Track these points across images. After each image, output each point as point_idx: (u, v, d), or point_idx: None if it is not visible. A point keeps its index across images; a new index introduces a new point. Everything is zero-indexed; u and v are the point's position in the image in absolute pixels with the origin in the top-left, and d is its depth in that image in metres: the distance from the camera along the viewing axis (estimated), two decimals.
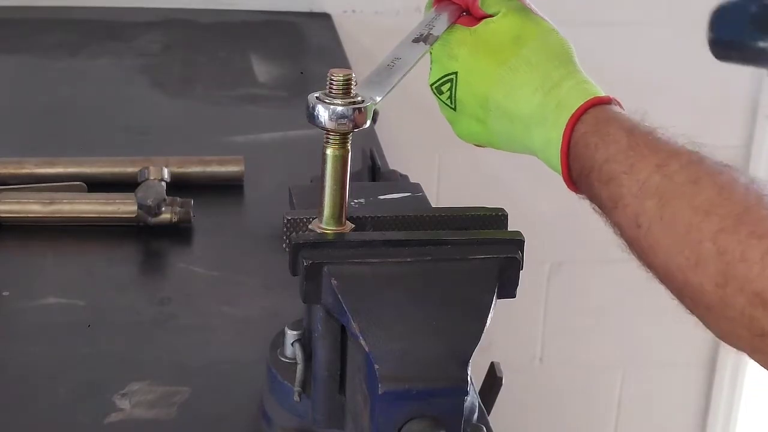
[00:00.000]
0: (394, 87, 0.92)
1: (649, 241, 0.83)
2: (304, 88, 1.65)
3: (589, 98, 0.89)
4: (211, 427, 1.01)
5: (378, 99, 0.88)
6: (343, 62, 1.76)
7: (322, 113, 0.85)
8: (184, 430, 1.01)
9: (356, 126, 0.86)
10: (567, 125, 0.89)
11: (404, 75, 0.93)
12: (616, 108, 0.90)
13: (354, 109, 0.85)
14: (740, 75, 2.13)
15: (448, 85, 0.98)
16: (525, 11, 0.97)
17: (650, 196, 0.82)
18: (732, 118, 2.22)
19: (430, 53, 0.99)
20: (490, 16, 0.97)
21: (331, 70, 0.86)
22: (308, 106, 0.86)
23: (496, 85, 0.95)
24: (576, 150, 0.88)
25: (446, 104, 1.00)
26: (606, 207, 0.86)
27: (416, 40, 0.98)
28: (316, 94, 0.86)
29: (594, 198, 0.88)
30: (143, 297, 1.21)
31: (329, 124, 0.85)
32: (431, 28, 0.99)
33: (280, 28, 1.93)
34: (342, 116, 0.85)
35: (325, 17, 2.00)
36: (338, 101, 0.85)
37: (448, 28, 0.99)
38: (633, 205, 0.83)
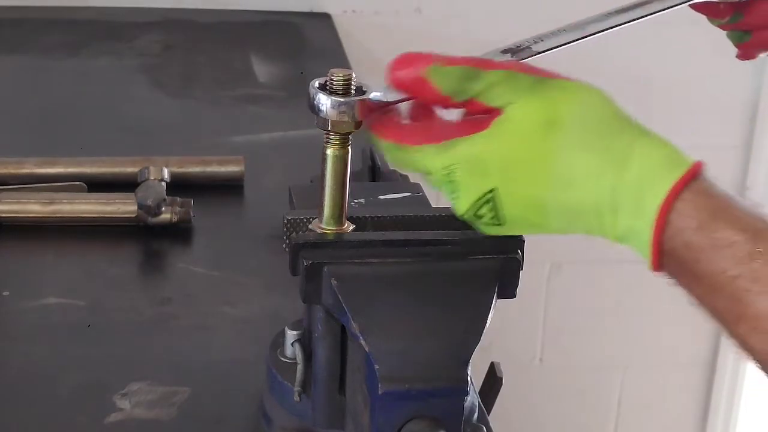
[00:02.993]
0: None
1: None
2: (304, 88, 1.64)
3: (676, 174, 0.75)
4: (211, 427, 1.01)
5: (382, 97, 0.87)
6: (343, 62, 1.75)
7: (324, 102, 0.85)
8: (184, 430, 1.01)
9: (356, 118, 0.86)
10: (658, 216, 0.75)
11: None
12: (709, 180, 0.77)
13: (356, 99, 0.85)
14: (740, 75, 2.12)
15: (487, 207, 0.82)
16: (541, 83, 0.81)
17: None
18: (732, 118, 2.22)
19: (450, 181, 0.82)
20: (498, 110, 0.81)
21: (331, 70, 0.86)
22: (309, 95, 0.85)
23: (550, 186, 0.79)
24: (672, 248, 0.76)
25: (490, 224, 0.83)
26: (721, 318, 0.76)
27: (506, 51, 0.87)
28: (318, 82, 0.86)
29: (698, 299, 0.77)
30: (143, 297, 1.21)
31: (331, 113, 0.85)
32: (534, 43, 0.87)
33: (280, 28, 1.93)
34: (344, 105, 0.85)
35: (325, 17, 2.00)
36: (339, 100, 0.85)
37: (453, 141, 0.82)
38: (766, 329, 0.72)
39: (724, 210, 0.75)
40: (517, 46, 0.88)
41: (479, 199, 0.82)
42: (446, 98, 0.82)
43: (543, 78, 0.81)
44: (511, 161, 0.80)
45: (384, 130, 0.85)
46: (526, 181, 0.80)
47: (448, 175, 0.82)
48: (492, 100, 0.81)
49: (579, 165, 0.78)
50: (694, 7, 1.08)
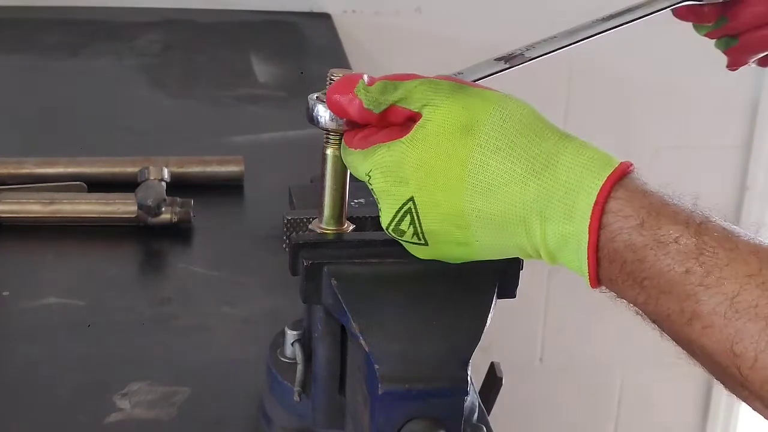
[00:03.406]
0: None
1: (759, 373, 0.68)
2: (304, 88, 1.64)
3: (604, 174, 0.72)
4: (211, 427, 1.01)
5: None
6: (343, 62, 1.76)
7: (323, 113, 0.85)
8: (184, 430, 1.01)
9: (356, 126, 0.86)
10: (592, 219, 0.72)
11: None
12: (640, 178, 0.73)
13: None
14: (740, 75, 2.12)
15: (407, 219, 0.79)
16: (461, 89, 0.78)
17: (751, 318, 0.66)
18: (732, 118, 2.22)
19: (372, 189, 0.80)
20: (418, 115, 0.79)
21: (331, 70, 0.86)
22: (308, 107, 0.86)
23: (468, 195, 0.76)
24: (613, 249, 0.72)
25: (414, 243, 0.80)
26: (671, 321, 0.71)
27: (499, 59, 0.88)
28: (316, 95, 0.86)
29: (642, 306, 0.73)
30: (143, 297, 1.21)
31: (329, 125, 0.85)
32: (527, 50, 0.88)
33: (280, 28, 1.93)
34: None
35: (325, 17, 2.00)
36: None
37: (375, 147, 0.80)
38: (722, 326, 0.68)
39: (663, 206, 0.71)
40: (510, 54, 0.89)
41: (398, 210, 0.79)
42: (369, 113, 0.80)
43: (463, 86, 0.79)
44: (428, 168, 0.77)
45: (347, 132, 0.84)
46: (444, 189, 0.77)
47: (369, 182, 0.81)
48: (411, 104, 0.79)
49: (499, 171, 0.75)
50: (680, 15, 1.08)
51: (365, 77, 0.81)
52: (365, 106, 0.80)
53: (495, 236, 0.77)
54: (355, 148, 0.82)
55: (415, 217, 0.79)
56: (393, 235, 0.81)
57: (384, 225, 0.81)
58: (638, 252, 0.71)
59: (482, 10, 2.06)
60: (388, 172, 0.79)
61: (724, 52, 1.13)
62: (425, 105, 0.78)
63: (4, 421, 1.01)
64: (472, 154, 0.76)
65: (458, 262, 0.83)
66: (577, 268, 0.76)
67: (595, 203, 0.72)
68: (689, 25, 1.11)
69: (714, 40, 1.13)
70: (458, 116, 0.77)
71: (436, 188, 0.77)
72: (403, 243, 0.82)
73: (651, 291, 0.71)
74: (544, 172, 0.74)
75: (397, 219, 0.79)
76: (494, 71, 0.89)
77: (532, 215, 0.75)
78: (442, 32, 2.05)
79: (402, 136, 0.79)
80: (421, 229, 0.79)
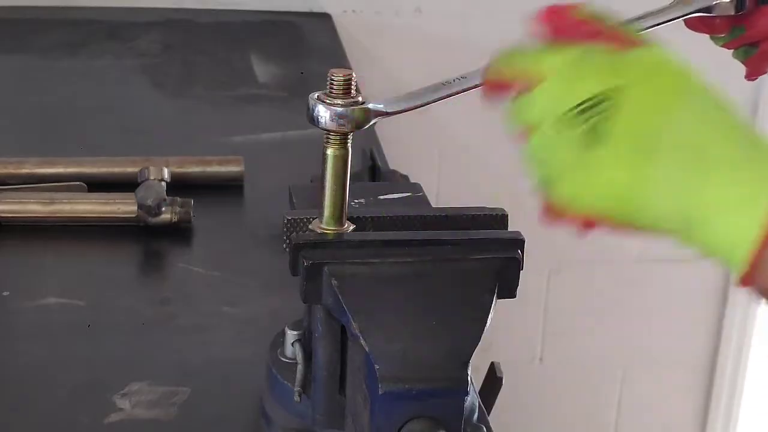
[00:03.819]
0: (430, 103, 0.87)
1: None
2: (304, 88, 1.64)
3: None
4: (211, 427, 1.01)
5: (383, 108, 0.87)
6: (343, 62, 1.76)
7: (323, 114, 0.85)
8: (184, 430, 1.01)
9: (357, 127, 0.86)
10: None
11: (454, 94, 0.86)
12: None
13: (354, 110, 0.85)
14: (740, 75, 2.12)
15: (589, 114, 0.70)
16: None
17: None
18: None
19: (569, 76, 0.72)
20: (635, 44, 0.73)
21: (331, 70, 0.86)
22: (309, 107, 0.86)
23: (678, 113, 0.69)
24: None
25: (580, 143, 0.71)
26: None
27: None
28: (317, 95, 0.86)
29: None
30: (143, 297, 1.21)
31: (330, 125, 0.85)
32: None
33: (280, 28, 1.93)
34: (342, 117, 0.85)
35: (325, 17, 2.00)
36: (339, 101, 0.85)
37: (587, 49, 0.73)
38: None
39: None
40: None
41: (589, 99, 0.70)
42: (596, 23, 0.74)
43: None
44: (649, 78, 0.71)
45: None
46: (655, 104, 0.70)
47: (576, 63, 0.72)
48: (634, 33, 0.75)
49: (709, 119, 0.70)
50: (692, 26, 1.08)
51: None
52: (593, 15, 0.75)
53: (676, 175, 0.70)
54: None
55: (602, 115, 0.70)
56: (563, 124, 0.71)
57: (566, 106, 0.71)
58: None
59: (482, 10, 2.06)
60: (610, 59, 0.72)
61: (743, 62, 1.12)
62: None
63: (5, 421, 1.01)
64: (689, 88, 0.71)
65: (597, 209, 0.74)
66: (732, 260, 0.69)
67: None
68: (689, 31, 1.11)
69: (732, 51, 1.12)
70: (675, 59, 0.73)
71: (647, 98, 0.70)
72: (564, 143, 0.72)
73: None
74: (757, 144, 0.69)
75: (580, 108, 0.71)
76: None
77: (724, 171, 0.68)
78: (442, 32, 2.05)
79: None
80: (609, 126, 0.70)
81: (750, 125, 0.71)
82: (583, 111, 0.71)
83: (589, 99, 0.70)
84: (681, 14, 0.99)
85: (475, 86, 0.89)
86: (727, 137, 0.70)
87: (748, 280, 0.68)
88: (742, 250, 0.67)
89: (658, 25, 0.95)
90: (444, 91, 0.88)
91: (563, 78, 0.72)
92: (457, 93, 0.88)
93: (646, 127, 0.70)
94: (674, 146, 0.69)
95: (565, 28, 0.75)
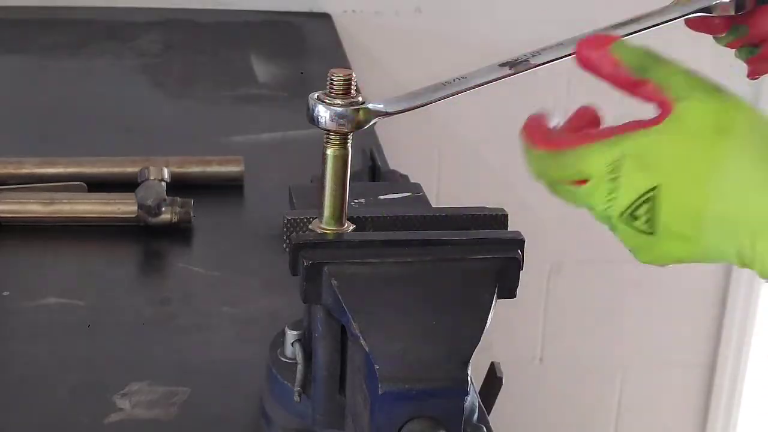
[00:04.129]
0: (430, 103, 0.87)
1: None
2: (304, 88, 1.65)
3: None
4: (211, 427, 1.01)
5: (383, 108, 0.87)
6: (343, 62, 1.76)
7: (323, 114, 0.85)
8: (184, 430, 1.01)
9: (357, 127, 0.86)
10: None
11: (454, 94, 0.87)
12: None
13: (354, 110, 0.85)
14: (740, 75, 2.12)
15: (645, 207, 0.78)
16: (715, 90, 0.79)
17: None
18: None
19: (613, 178, 0.79)
20: (667, 103, 0.78)
21: (331, 70, 0.86)
22: (309, 107, 0.86)
23: (712, 194, 0.76)
24: None
25: (639, 231, 0.79)
26: None
27: (503, 65, 0.88)
28: (317, 95, 0.86)
29: None
30: (143, 297, 1.21)
31: (330, 125, 0.85)
32: (532, 56, 0.88)
33: (280, 28, 1.93)
34: (342, 117, 0.85)
35: (325, 17, 2.00)
36: (339, 101, 0.85)
37: (630, 133, 0.79)
38: None
39: None
40: (515, 60, 0.89)
41: (640, 196, 0.78)
42: (627, 75, 0.80)
43: (716, 85, 0.79)
44: (680, 160, 0.77)
45: (537, 136, 0.82)
46: (691, 183, 0.77)
47: (613, 170, 0.78)
48: (669, 88, 0.79)
49: (744, 176, 0.76)
50: (693, 26, 1.07)
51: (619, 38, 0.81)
52: (627, 64, 0.80)
53: (722, 240, 0.77)
54: (603, 138, 0.80)
55: (655, 207, 0.77)
56: (622, 221, 0.79)
57: (619, 210, 0.79)
58: None
59: (482, 10, 2.06)
60: (641, 158, 0.77)
61: (745, 62, 1.12)
62: (683, 97, 0.78)
63: (5, 421, 1.01)
64: (723, 155, 0.76)
65: (671, 263, 0.82)
66: None
67: None
68: (688, 30, 1.11)
69: (734, 51, 1.12)
70: (714, 115, 0.77)
71: (683, 181, 0.77)
72: (629, 232, 0.80)
73: None
74: None
75: (635, 205, 0.78)
76: (498, 76, 0.89)
77: (763, 227, 0.75)
78: (442, 32, 2.05)
79: (652, 125, 0.78)
80: (656, 217, 0.78)
81: None
82: (637, 208, 0.78)
83: (641, 196, 0.78)
84: (681, 14, 0.99)
85: (475, 86, 0.89)
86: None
87: None
88: None
89: (658, 25, 0.95)
90: (444, 91, 0.88)
91: (622, 179, 0.79)
92: (457, 93, 0.88)
93: (683, 216, 0.77)
94: (714, 220, 0.76)
95: (590, 62, 0.82)
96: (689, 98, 0.78)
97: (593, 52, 0.82)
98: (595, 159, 0.79)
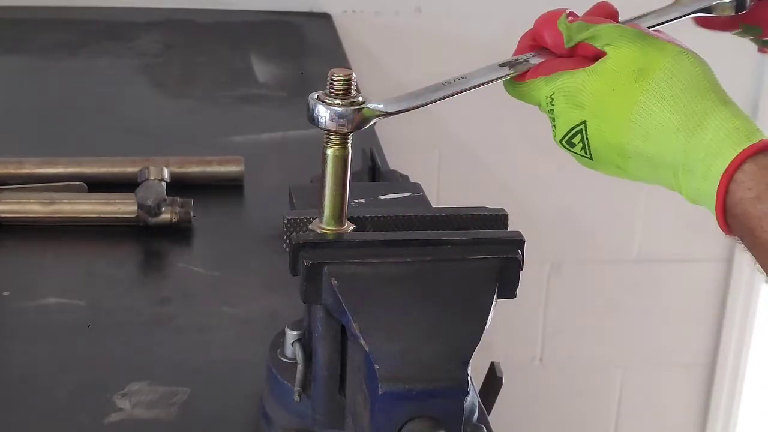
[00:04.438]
0: (430, 103, 0.89)
1: None
2: (304, 88, 1.65)
3: (741, 147, 0.80)
4: (211, 427, 1.01)
5: (383, 108, 0.87)
6: (343, 62, 1.76)
7: (323, 114, 0.85)
8: (184, 430, 1.01)
9: (357, 127, 0.86)
10: (720, 184, 0.80)
11: (454, 94, 0.89)
12: None
13: (354, 110, 0.85)
14: (740, 75, 2.13)
15: (578, 137, 0.88)
16: (644, 38, 0.87)
17: None
18: None
19: (551, 109, 0.90)
20: (603, 53, 0.88)
21: (331, 70, 0.86)
22: (309, 107, 0.86)
23: (630, 131, 0.85)
24: (735, 215, 0.80)
25: (581, 155, 0.90)
26: None
27: (503, 65, 0.91)
28: (317, 95, 0.86)
29: (757, 261, 0.81)
30: (143, 297, 1.21)
31: (330, 125, 0.85)
32: (530, 57, 0.91)
33: (280, 28, 1.93)
34: (342, 117, 0.85)
35: (325, 17, 2.00)
36: (339, 101, 0.85)
37: (559, 73, 0.89)
38: None
39: None
40: (516, 60, 0.91)
41: (571, 129, 0.88)
42: (561, 44, 0.90)
43: (646, 34, 0.88)
44: (602, 99, 0.86)
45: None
46: (611, 123, 0.86)
47: (550, 102, 0.89)
48: (597, 41, 0.88)
49: (658, 119, 0.84)
50: (700, 23, 1.07)
51: (567, 12, 0.91)
52: (562, 36, 0.90)
53: (647, 171, 0.86)
54: (537, 76, 0.90)
55: (585, 138, 0.88)
56: (564, 146, 0.89)
57: (557, 138, 0.90)
58: (751, 221, 0.80)
59: (482, 10, 2.06)
60: (569, 95, 0.88)
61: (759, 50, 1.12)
62: (609, 44, 0.87)
63: (4, 421, 1.01)
64: (640, 97, 0.85)
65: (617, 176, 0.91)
66: (712, 212, 0.83)
67: (725, 171, 0.80)
68: (688, 26, 1.11)
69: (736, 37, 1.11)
70: (636, 59, 0.86)
71: (604, 119, 0.86)
72: (572, 154, 0.90)
73: (761, 252, 0.80)
74: (695, 130, 0.82)
75: (569, 135, 0.88)
76: (498, 77, 0.90)
77: (679, 165, 0.83)
78: (442, 32, 2.05)
79: (584, 66, 0.88)
80: (588, 146, 0.88)
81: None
82: (571, 137, 0.89)
83: (572, 128, 0.88)
84: (681, 14, 0.99)
85: (475, 86, 0.89)
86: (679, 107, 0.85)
87: (723, 228, 0.81)
88: (708, 205, 0.82)
89: (657, 25, 0.96)
90: (444, 91, 0.89)
91: (556, 113, 0.90)
92: (457, 93, 0.89)
93: (609, 149, 0.87)
94: (635, 154, 0.86)
95: (539, 34, 0.92)
96: (615, 44, 0.87)
97: (544, 26, 0.92)
98: (536, 92, 0.91)
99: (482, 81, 0.90)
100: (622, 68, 0.86)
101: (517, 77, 0.91)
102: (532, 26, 0.93)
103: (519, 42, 0.93)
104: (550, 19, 0.92)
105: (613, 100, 0.86)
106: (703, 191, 0.82)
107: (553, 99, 0.89)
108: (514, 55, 0.92)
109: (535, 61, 0.91)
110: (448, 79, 0.89)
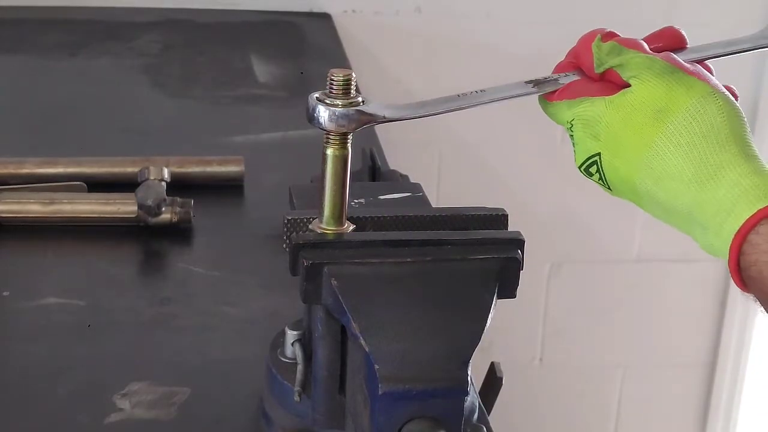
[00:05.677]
0: (439, 114, 0.88)
1: None
2: (304, 88, 1.65)
3: (757, 206, 0.75)
4: (211, 427, 1.01)
5: (386, 115, 0.87)
6: (343, 62, 1.76)
7: (323, 114, 0.85)
8: (184, 430, 1.01)
9: (357, 127, 0.86)
10: (732, 244, 0.76)
11: (467, 107, 0.88)
12: None
13: (354, 110, 0.85)
14: (740, 75, 2.13)
15: (594, 167, 0.85)
16: (672, 73, 0.82)
17: None
18: None
19: (571, 135, 0.87)
20: (628, 84, 0.83)
21: (331, 70, 0.86)
22: (309, 107, 0.86)
23: (642, 172, 0.81)
24: (750, 276, 0.76)
25: (600, 184, 0.86)
26: None
27: (529, 82, 0.89)
28: (317, 95, 0.86)
29: None
30: (143, 297, 1.21)
31: (329, 125, 0.85)
32: (559, 78, 0.88)
33: (280, 28, 1.93)
34: (342, 117, 0.85)
35: (325, 17, 2.00)
36: (338, 102, 0.85)
37: (581, 99, 0.86)
38: None
39: None
40: (544, 78, 0.89)
41: (588, 158, 0.85)
42: (591, 67, 0.86)
43: (677, 69, 0.83)
44: (617, 135, 0.82)
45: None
46: (624, 160, 0.82)
47: (570, 128, 0.86)
48: (624, 72, 0.84)
49: (671, 165, 0.80)
50: None
51: (603, 32, 0.87)
52: (594, 60, 0.86)
53: (661, 214, 0.83)
54: (561, 99, 0.87)
55: (600, 168, 0.84)
56: (583, 173, 0.87)
57: (576, 165, 0.87)
58: (765, 283, 0.75)
59: (482, 11, 2.06)
60: (586, 124, 0.84)
61: None
62: (635, 77, 0.83)
63: (4, 421, 1.01)
64: (655, 139, 0.80)
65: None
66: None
67: (738, 232, 0.76)
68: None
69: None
70: (659, 97, 0.81)
71: (617, 155, 0.82)
72: (592, 180, 0.87)
73: None
74: (707, 182, 0.78)
75: (586, 164, 0.85)
76: (519, 93, 0.89)
77: (690, 217, 0.79)
78: (442, 32, 2.05)
79: (606, 95, 0.84)
80: (605, 177, 0.84)
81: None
82: (588, 167, 0.85)
83: (588, 158, 0.85)
84: (754, 46, 0.93)
85: (491, 101, 0.88)
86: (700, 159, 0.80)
87: (739, 285, 0.77)
88: (722, 256, 0.77)
89: (722, 55, 0.91)
90: (458, 102, 0.88)
91: (576, 140, 0.86)
92: (473, 106, 0.88)
93: (623, 185, 0.83)
94: (647, 195, 0.82)
95: (577, 55, 0.88)
96: (641, 77, 0.83)
97: (581, 46, 0.87)
98: (560, 115, 0.88)
99: (500, 96, 0.88)
100: (642, 105, 0.81)
101: (547, 95, 0.88)
102: (556, 36, 0.90)
103: (565, 58, 0.90)
104: (588, 39, 0.87)
105: (627, 137, 0.82)
106: (716, 247, 0.78)
107: (573, 125, 0.86)
108: (554, 71, 0.89)
109: (566, 81, 0.88)
110: (465, 91, 0.88)
